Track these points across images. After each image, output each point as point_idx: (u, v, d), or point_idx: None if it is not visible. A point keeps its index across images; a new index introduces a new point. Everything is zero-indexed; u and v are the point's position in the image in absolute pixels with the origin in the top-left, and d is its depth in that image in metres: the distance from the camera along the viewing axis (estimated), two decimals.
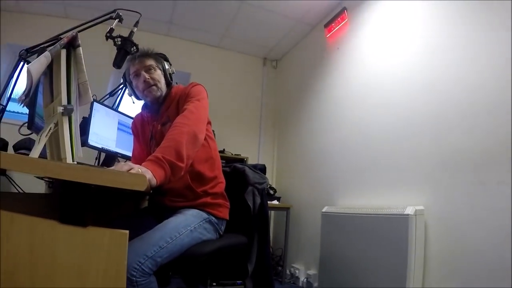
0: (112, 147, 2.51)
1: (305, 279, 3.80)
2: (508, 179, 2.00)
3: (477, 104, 2.25)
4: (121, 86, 2.80)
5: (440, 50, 2.58)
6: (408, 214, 2.41)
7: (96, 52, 2.91)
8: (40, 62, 1.10)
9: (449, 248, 2.31)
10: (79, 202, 0.89)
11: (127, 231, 0.90)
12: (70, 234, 0.88)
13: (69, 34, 1.20)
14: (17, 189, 2.12)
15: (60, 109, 1.12)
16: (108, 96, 2.89)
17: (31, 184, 1.97)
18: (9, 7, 4.13)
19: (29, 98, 1.21)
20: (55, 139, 1.17)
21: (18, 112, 3.55)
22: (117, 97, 2.89)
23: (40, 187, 2.32)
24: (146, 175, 1.16)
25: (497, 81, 2.15)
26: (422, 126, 2.64)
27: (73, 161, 1.14)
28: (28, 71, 1.06)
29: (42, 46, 1.57)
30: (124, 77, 1.93)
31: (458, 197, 2.30)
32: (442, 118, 2.49)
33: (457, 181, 2.32)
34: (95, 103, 2.36)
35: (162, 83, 1.85)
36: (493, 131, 2.13)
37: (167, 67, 1.90)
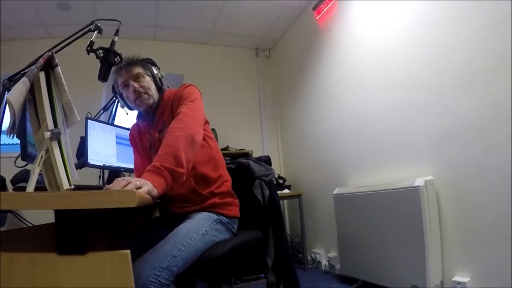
0: (114, 162, 2.48)
1: (327, 262, 3.81)
2: None
3: (475, 69, 2.23)
4: (113, 99, 2.76)
5: (433, 19, 2.53)
6: (418, 186, 2.42)
7: (83, 68, 2.88)
8: (18, 90, 1.06)
9: (463, 214, 2.33)
10: (73, 229, 0.86)
11: (128, 251, 0.87)
12: (70, 263, 0.85)
13: (45, 55, 1.17)
14: (25, 224, 2.10)
15: (47, 134, 1.09)
16: (102, 111, 2.86)
17: (41, 214, 1.94)
18: None
19: (16, 129, 1.18)
20: (50, 166, 1.14)
21: (12, 144, 3.48)
22: (111, 111, 2.85)
23: (50, 216, 2.30)
24: (145, 186, 1.14)
25: (493, 43, 2.12)
26: (423, 96, 2.62)
27: (70, 185, 1.11)
28: (8, 101, 1.02)
29: (23, 72, 1.53)
30: (113, 89, 1.90)
31: (466, 163, 2.30)
32: (441, 87, 2.47)
33: (463, 147, 2.32)
34: (89, 120, 2.33)
35: (153, 90, 1.81)
36: (494, 94, 2.11)
37: (155, 72, 1.86)
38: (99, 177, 2.77)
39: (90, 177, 2.71)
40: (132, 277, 0.86)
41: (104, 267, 0.86)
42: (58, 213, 0.85)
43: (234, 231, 1.76)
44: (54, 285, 0.85)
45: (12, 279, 0.85)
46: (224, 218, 1.69)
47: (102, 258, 0.86)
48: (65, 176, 1.12)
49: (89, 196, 0.81)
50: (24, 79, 1.10)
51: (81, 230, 0.86)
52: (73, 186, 1.12)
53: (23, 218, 2.14)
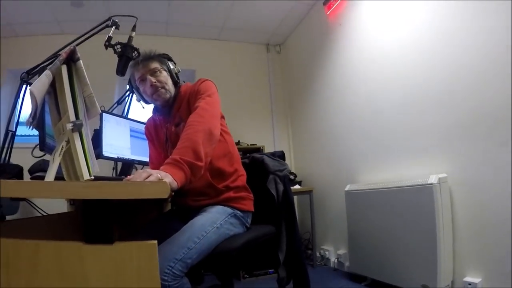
0: (128, 155, 2.49)
1: (336, 260, 3.80)
2: None
3: (489, 65, 2.19)
4: (127, 93, 2.78)
5: (446, 14, 2.49)
6: (432, 183, 2.38)
7: (96, 63, 2.91)
8: (41, 82, 1.08)
9: (476, 213, 2.29)
10: (102, 219, 0.86)
11: (155, 241, 0.88)
12: (97, 253, 0.86)
13: (67, 48, 1.18)
14: (40, 212, 2.11)
15: (69, 126, 1.10)
16: (116, 105, 2.87)
17: (52, 203, 1.96)
18: (5, 33, 4.14)
19: (37, 120, 1.20)
20: (69, 157, 1.15)
21: (28, 135, 3.56)
22: (125, 105, 2.87)
23: (61, 205, 2.32)
24: (166, 179, 1.15)
25: (507, 40, 2.07)
26: (436, 92, 2.58)
27: (90, 176, 1.12)
28: (31, 93, 1.04)
29: (42, 65, 1.55)
30: (130, 83, 1.91)
31: (479, 160, 2.27)
32: (455, 83, 2.43)
33: (477, 144, 2.28)
34: (104, 114, 2.35)
35: (170, 84, 1.82)
36: (509, 88, 2.06)
37: (172, 67, 1.87)
38: (113, 169, 2.80)
39: (102, 169, 2.72)
40: (158, 267, 0.87)
41: (131, 257, 0.87)
42: (87, 202, 0.85)
43: (248, 225, 1.77)
44: (81, 274, 0.86)
45: (38, 268, 0.86)
46: (239, 212, 1.70)
47: (130, 248, 0.87)
48: (86, 167, 1.14)
49: (123, 187, 0.82)
50: (47, 72, 1.11)
51: (110, 219, 0.87)
52: (93, 177, 1.13)
53: (37, 207, 2.15)
